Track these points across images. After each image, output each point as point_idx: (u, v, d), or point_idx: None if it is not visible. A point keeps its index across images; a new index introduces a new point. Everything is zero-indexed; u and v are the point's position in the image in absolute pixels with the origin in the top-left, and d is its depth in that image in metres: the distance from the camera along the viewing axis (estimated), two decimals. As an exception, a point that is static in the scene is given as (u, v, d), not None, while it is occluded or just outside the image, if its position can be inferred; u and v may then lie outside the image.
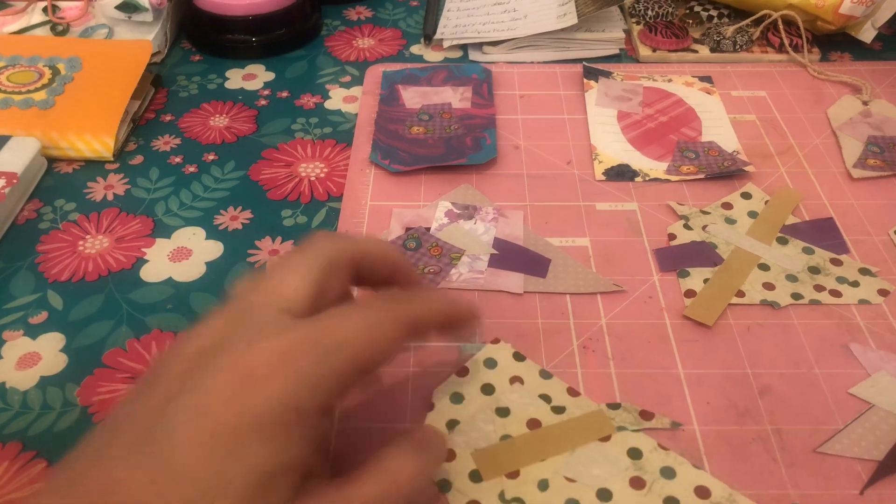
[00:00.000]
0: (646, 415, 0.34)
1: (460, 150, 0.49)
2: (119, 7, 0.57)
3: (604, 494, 0.31)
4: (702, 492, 0.31)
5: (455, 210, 0.45)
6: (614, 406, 0.34)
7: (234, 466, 0.22)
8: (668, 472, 0.31)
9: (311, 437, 0.24)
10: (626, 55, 0.60)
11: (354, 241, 0.30)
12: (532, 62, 0.58)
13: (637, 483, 0.31)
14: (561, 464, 0.32)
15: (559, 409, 0.34)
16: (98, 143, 0.48)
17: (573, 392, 0.35)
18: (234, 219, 0.45)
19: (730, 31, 0.58)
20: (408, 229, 0.44)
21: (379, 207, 0.45)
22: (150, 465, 0.22)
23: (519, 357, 0.36)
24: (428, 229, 0.43)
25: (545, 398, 0.34)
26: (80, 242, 0.43)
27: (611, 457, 0.32)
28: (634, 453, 0.32)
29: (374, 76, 0.56)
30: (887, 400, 0.34)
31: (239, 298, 0.27)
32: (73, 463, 0.24)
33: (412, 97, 0.54)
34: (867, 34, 0.58)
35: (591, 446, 0.32)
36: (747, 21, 0.58)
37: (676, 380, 0.35)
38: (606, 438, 0.33)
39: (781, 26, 0.58)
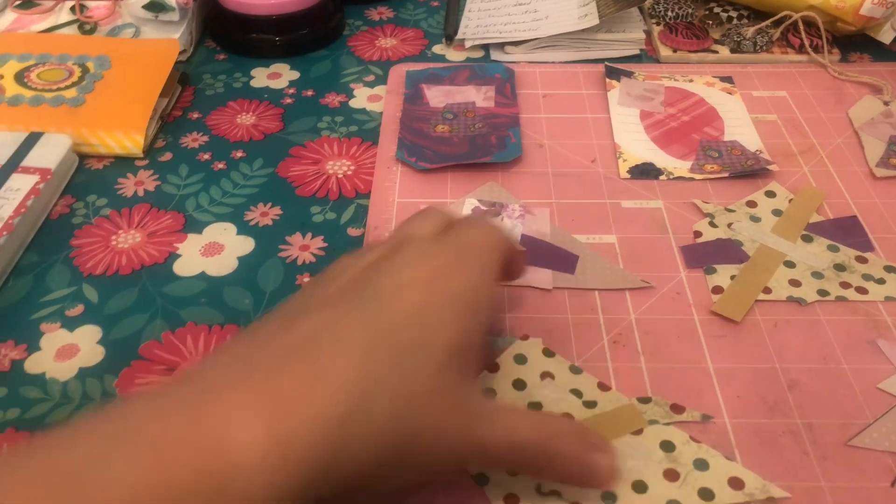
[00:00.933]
0: (677, 408, 0.34)
1: (485, 149, 0.49)
2: (146, 6, 0.58)
3: (639, 486, 0.31)
4: (735, 483, 0.31)
5: (482, 207, 0.45)
6: (645, 400, 0.35)
7: (438, 332, 0.27)
8: (701, 465, 0.32)
9: (484, 323, 0.29)
10: (647, 56, 0.60)
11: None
12: (553, 62, 0.59)
13: (671, 475, 0.32)
14: None
15: (591, 404, 0.34)
16: (128, 139, 0.49)
17: (604, 387, 0.35)
18: (264, 215, 0.45)
19: (750, 31, 0.58)
20: (436, 226, 0.44)
21: (407, 204, 0.46)
22: (358, 318, 0.26)
23: (549, 353, 0.37)
24: (456, 226, 0.44)
25: (576, 393, 0.35)
26: (113, 237, 0.44)
27: (644, 450, 0.32)
28: (667, 446, 0.33)
29: (398, 75, 0.57)
30: None
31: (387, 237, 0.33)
32: (264, 324, 0.28)
33: (436, 96, 0.54)
34: (887, 35, 0.59)
35: (625, 440, 0.33)
36: (767, 22, 0.59)
37: (706, 374, 0.36)
38: (639, 432, 0.33)
39: (802, 27, 0.58)
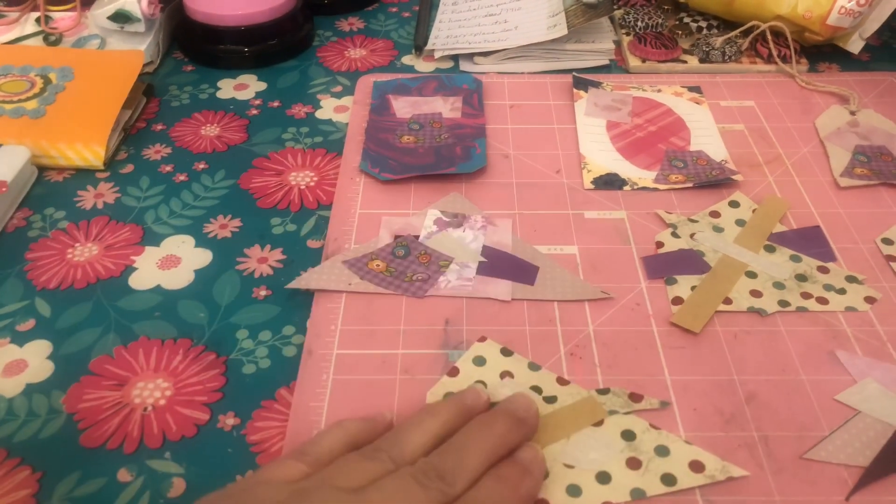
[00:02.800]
0: (635, 397, 0.34)
1: (450, 159, 0.49)
2: (112, 17, 0.57)
3: (603, 477, 0.31)
4: (696, 466, 0.32)
5: (444, 218, 0.45)
6: (604, 391, 0.35)
7: None
8: (662, 451, 0.32)
9: None
10: (616, 66, 0.60)
11: (522, 430, 0.32)
12: (522, 73, 0.59)
13: (634, 463, 0.32)
14: (558, 451, 0.32)
15: (551, 399, 0.34)
16: (88, 151, 0.48)
17: (563, 381, 0.35)
18: (223, 227, 0.45)
19: (719, 41, 0.58)
20: (397, 237, 0.44)
21: (368, 216, 0.45)
22: None
23: (506, 352, 0.37)
24: (417, 237, 0.44)
25: (536, 389, 0.35)
26: (69, 250, 0.43)
27: (605, 440, 0.32)
28: (628, 435, 0.33)
29: (366, 86, 0.57)
30: (873, 406, 0.34)
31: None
32: None
33: (403, 107, 0.54)
34: (855, 45, 0.59)
35: (586, 432, 0.33)
36: (736, 32, 0.59)
37: (663, 386, 0.35)
38: (599, 423, 0.33)
39: (770, 37, 0.58)
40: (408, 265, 0.42)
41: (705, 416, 0.34)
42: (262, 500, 0.26)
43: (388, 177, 0.48)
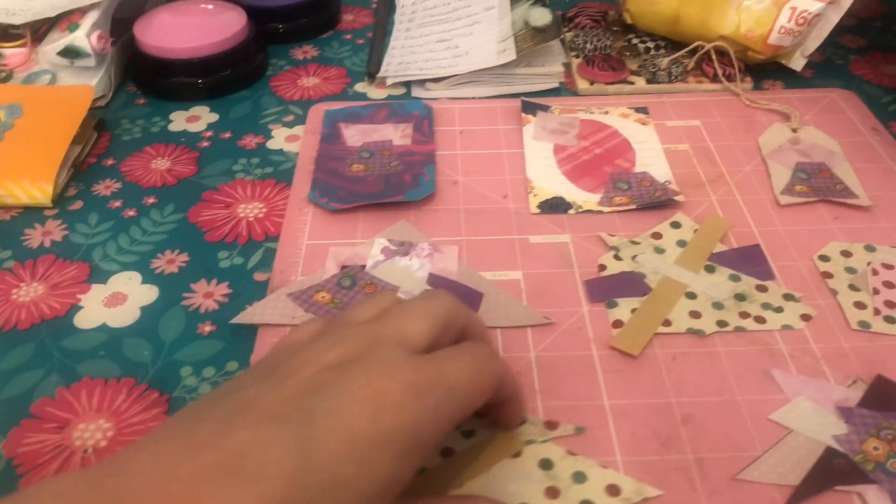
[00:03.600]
0: (551, 425, 0.35)
1: (398, 187, 0.49)
2: (61, 53, 0.57)
3: None
4: (612, 490, 0.32)
5: (391, 247, 0.45)
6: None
7: (366, 471, 0.25)
8: (579, 477, 0.33)
9: (417, 467, 0.27)
10: (566, 89, 0.61)
11: (467, 310, 0.33)
12: (474, 98, 0.59)
13: (552, 493, 0.32)
14: (478, 487, 0.32)
15: (469, 434, 0.35)
16: (36, 189, 0.48)
17: (480, 414, 0.35)
18: (170, 262, 0.45)
19: (665, 62, 0.59)
20: (343, 268, 0.44)
21: (316, 246, 0.46)
22: (288, 443, 0.24)
23: None
24: (363, 267, 0.44)
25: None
26: (14, 291, 0.43)
27: (523, 471, 0.33)
28: (545, 464, 0.33)
29: (317, 115, 0.57)
30: (805, 425, 0.35)
31: (363, 325, 0.30)
32: (197, 424, 0.25)
33: (353, 135, 0.55)
34: (798, 63, 0.60)
35: (504, 464, 0.33)
36: (682, 52, 0.60)
37: (601, 411, 0.36)
38: (518, 454, 0.34)
39: (714, 57, 0.59)
40: (353, 296, 0.42)
41: (642, 440, 0.35)
42: (305, 361, 0.28)
43: (336, 206, 0.48)
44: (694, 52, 0.60)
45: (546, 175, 0.51)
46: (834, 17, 0.58)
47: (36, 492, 0.24)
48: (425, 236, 0.46)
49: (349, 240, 0.46)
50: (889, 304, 0.41)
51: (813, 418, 0.35)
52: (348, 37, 0.69)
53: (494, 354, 0.31)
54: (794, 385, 0.37)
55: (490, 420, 0.35)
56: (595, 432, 0.35)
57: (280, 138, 0.55)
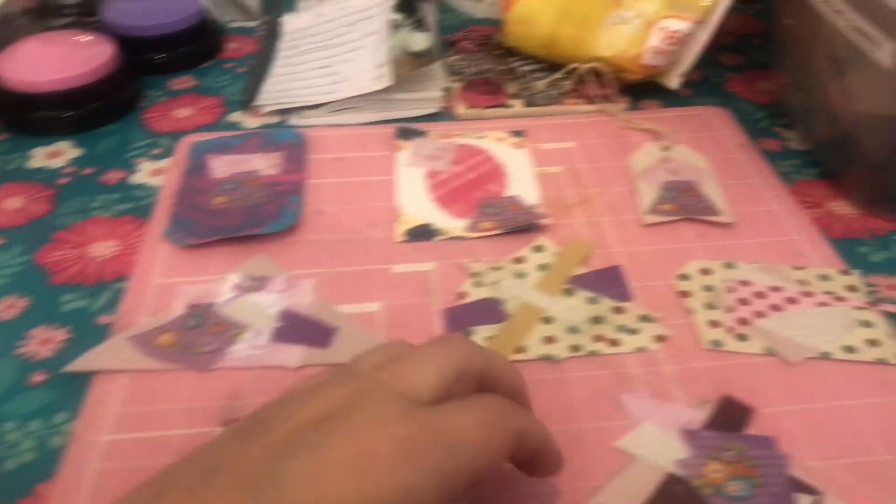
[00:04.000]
0: None
1: (259, 220, 0.48)
2: (-90, 90, 0.55)
3: None
4: None
5: (245, 283, 0.44)
6: None
7: None
8: None
9: None
10: (446, 113, 0.60)
11: (486, 354, 0.30)
12: (352, 124, 0.58)
13: None
14: None
15: None
16: None
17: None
18: (10, 307, 0.42)
19: (541, 85, 0.59)
20: (191, 307, 0.42)
21: (166, 285, 0.44)
22: None
23: None
24: (213, 305, 0.42)
25: None
26: None
27: None
28: None
29: (185, 147, 0.55)
30: (649, 451, 0.34)
31: (364, 373, 0.27)
32: (163, 492, 0.23)
33: (220, 166, 0.53)
34: (674, 82, 0.61)
35: None
36: (559, 74, 0.60)
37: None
38: None
39: (590, 78, 0.59)
40: (198, 336, 0.40)
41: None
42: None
43: (192, 242, 0.46)
44: (571, 73, 0.60)
45: (416, 202, 0.50)
46: (704, 37, 0.58)
47: None
48: (282, 270, 0.44)
49: (203, 277, 0.44)
50: (742, 321, 0.41)
51: (657, 443, 0.34)
52: (230, 65, 0.67)
53: (512, 407, 0.28)
54: (642, 409, 0.36)
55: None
56: None
57: (145, 172, 0.53)
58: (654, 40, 0.57)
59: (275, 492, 0.22)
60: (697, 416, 0.36)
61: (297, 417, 0.25)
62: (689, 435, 0.35)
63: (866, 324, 0.40)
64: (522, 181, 0.52)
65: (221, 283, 0.44)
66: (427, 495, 0.23)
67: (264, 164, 0.53)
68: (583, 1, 0.59)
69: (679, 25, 0.57)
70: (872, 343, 0.39)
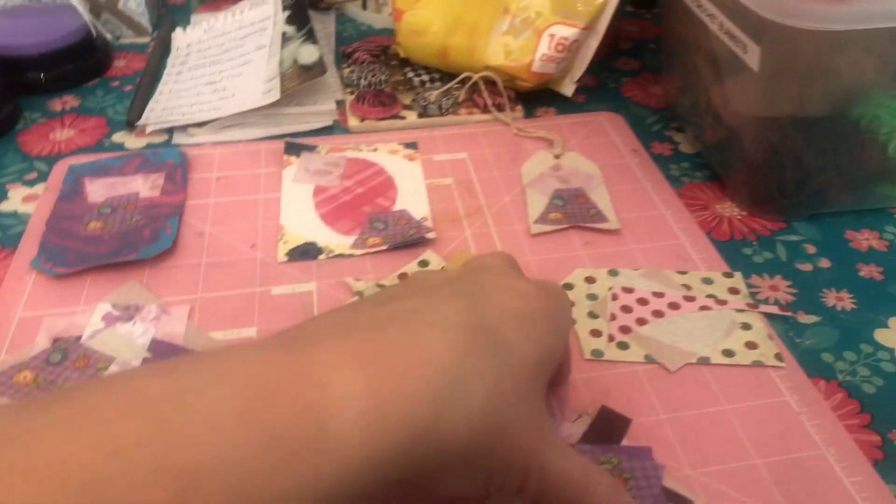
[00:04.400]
0: None
1: (134, 245, 0.46)
2: None
3: None
4: None
5: (114, 312, 0.41)
6: None
7: (531, 340, 0.26)
8: None
9: (560, 353, 0.30)
10: (340, 126, 0.59)
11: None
12: (240, 141, 0.57)
13: None
14: None
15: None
16: None
17: None
18: None
19: (434, 95, 0.59)
20: (55, 340, 0.40)
21: (30, 319, 0.41)
22: (460, 305, 0.26)
23: None
24: (80, 338, 0.40)
25: None
26: None
27: None
28: None
29: (61, 171, 0.53)
30: None
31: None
32: (387, 300, 0.27)
33: (97, 190, 0.51)
34: (568, 88, 0.61)
35: None
36: (451, 84, 0.59)
37: None
38: None
39: (483, 87, 0.59)
40: (60, 372, 0.38)
41: None
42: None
43: (60, 271, 0.44)
44: (464, 83, 0.60)
45: (300, 220, 0.48)
46: (593, 43, 0.58)
47: (225, 354, 0.23)
48: (154, 297, 0.43)
49: (70, 308, 0.42)
50: (624, 329, 0.40)
51: None
52: (116, 84, 0.65)
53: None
54: None
55: None
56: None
57: (17, 199, 0.51)
58: (543, 47, 0.57)
59: (467, 298, 0.27)
60: (575, 429, 0.35)
61: (441, 276, 0.30)
62: (564, 450, 0.34)
63: (746, 326, 0.41)
64: (413, 194, 0.51)
65: (90, 313, 0.41)
66: (562, 322, 0.30)
67: (144, 186, 0.51)
68: (472, 9, 0.59)
69: (567, 32, 0.57)
70: (751, 346, 0.40)
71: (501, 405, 0.24)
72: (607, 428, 0.35)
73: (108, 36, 0.70)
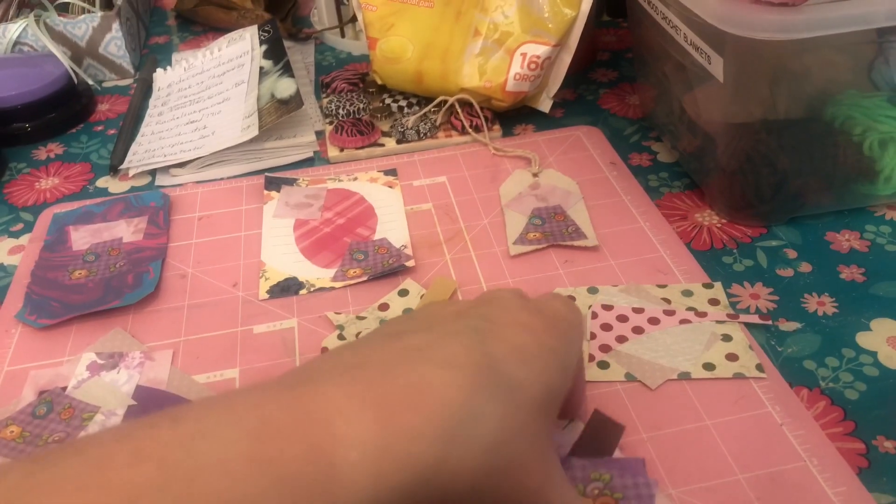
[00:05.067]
0: None
1: (118, 291, 0.46)
2: None
3: None
4: None
5: (99, 361, 0.42)
6: None
7: (536, 376, 0.27)
8: None
9: (567, 388, 0.30)
10: (320, 158, 0.59)
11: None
12: (221, 178, 0.57)
13: None
14: None
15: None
16: None
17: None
18: None
19: (411, 120, 0.59)
20: (41, 393, 0.40)
21: (16, 372, 0.42)
22: (470, 343, 0.26)
23: None
24: (65, 388, 0.40)
25: None
26: None
27: None
28: None
29: (46, 220, 0.53)
30: None
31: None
32: (401, 333, 0.28)
33: (82, 237, 0.51)
34: (545, 105, 0.61)
35: None
36: (428, 108, 0.60)
37: None
38: None
39: (460, 109, 0.59)
40: (46, 425, 0.38)
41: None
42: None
43: (45, 322, 0.44)
44: (440, 107, 0.60)
45: (281, 255, 0.49)
46: (567, 58, 0.59)
47: (232, 397, 0.24)
48: (138, 343, 0.43)
49: (56, 359, 0.42)
50: (604, 348, 0.40)
51: None
52: (100, 128, 0.65)
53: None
54: None
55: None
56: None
57: (3, 251, 0.51)
58: (517, 67, 0.57)
59: (477, 334, 0.27)
60: (565, 439, 0.35)
61: (454, 307, 0.30)
62: (557, 469, 0.33)
63: (727, 337, 0.41)
64: (393, 222, 0.51)
65: (76, 363, 0.42)
66: (570, 357, 0.30)
67: (128, 231, 0.51)
68: (443, 34, 0.59)
69: (539, 50, 0.57)
70: (731, 357, 0.39)
71: (508, 444, 0.25)
72: (600, 436, 0.35)
73: (90, 81, 0.70)
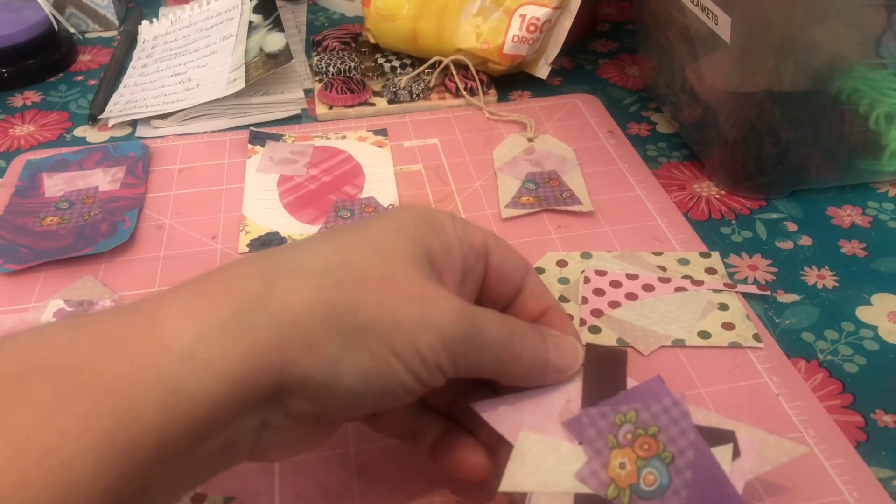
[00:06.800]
0: (197, 498, 0.30)
1: (91, 239, 0.44)
2: None
3: None
4: None
5: (67, 308, 0.40)
6: (200, 497, 0.30)
7: (401, 243, 0.27)
8: None
9: (456, 256, 0.29)
10: (308, 115, 0.57)
11: None
12: (205, 132, 0.55)
13: None
14: None
15: None
16: None
17: None
18: None
19: (404, 80, 0.57)
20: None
21: (-21, 318, 0.40)
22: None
23: None
24: (29, 335, 0.38)
25: None
26: None
27: None
28: None
29: (18, 166, 0.51)
30: (543, 479, 0.28)
31: None
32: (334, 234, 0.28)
33: (55, 185, 0.49)
34: (542, 71, 0.59)
35: None
36: (422, 69, 0.58)
37: (267, 471, 0.32)
38: None
39: (455, 71, 0.57)
40: (7, 371, 0.36)
41: (309, 500, 0.31)
42: None
43: (11, 267, 0.42)
44: (435, 68, 0.58)
45: (263, 210, 0.47)
46: (566, 22, 0.57)
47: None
48: (110, 292, 0.41)
49: (22, 305, 0.40)
50: (596, 312, 0.39)
51: (546, 461, 0.28)
52: (80, 78, 0.63)
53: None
54: (506, 416, 0.29)
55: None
56: (257, 497, 0.31)
57: (-29, 197, 0.49)
58: (515, 28, 0.55)
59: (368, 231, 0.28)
60: (571, 393, 0.30)
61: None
62: (576, 425, 0.28)
63: (723, 307, 0.39)
64: (381, 181, 0.49)
65: (42, 310, 0.40)
66: (444, 217, 0.30)
67: (104, 180, 0.49)
68: (441, -8, 0.57)
69: (538, 12, 0.55)
70: (728, 326, 0.38)
71: (344, 265, 0.26)
72: (604, 371, 0.30)
73: (73, 30, 0.68)
